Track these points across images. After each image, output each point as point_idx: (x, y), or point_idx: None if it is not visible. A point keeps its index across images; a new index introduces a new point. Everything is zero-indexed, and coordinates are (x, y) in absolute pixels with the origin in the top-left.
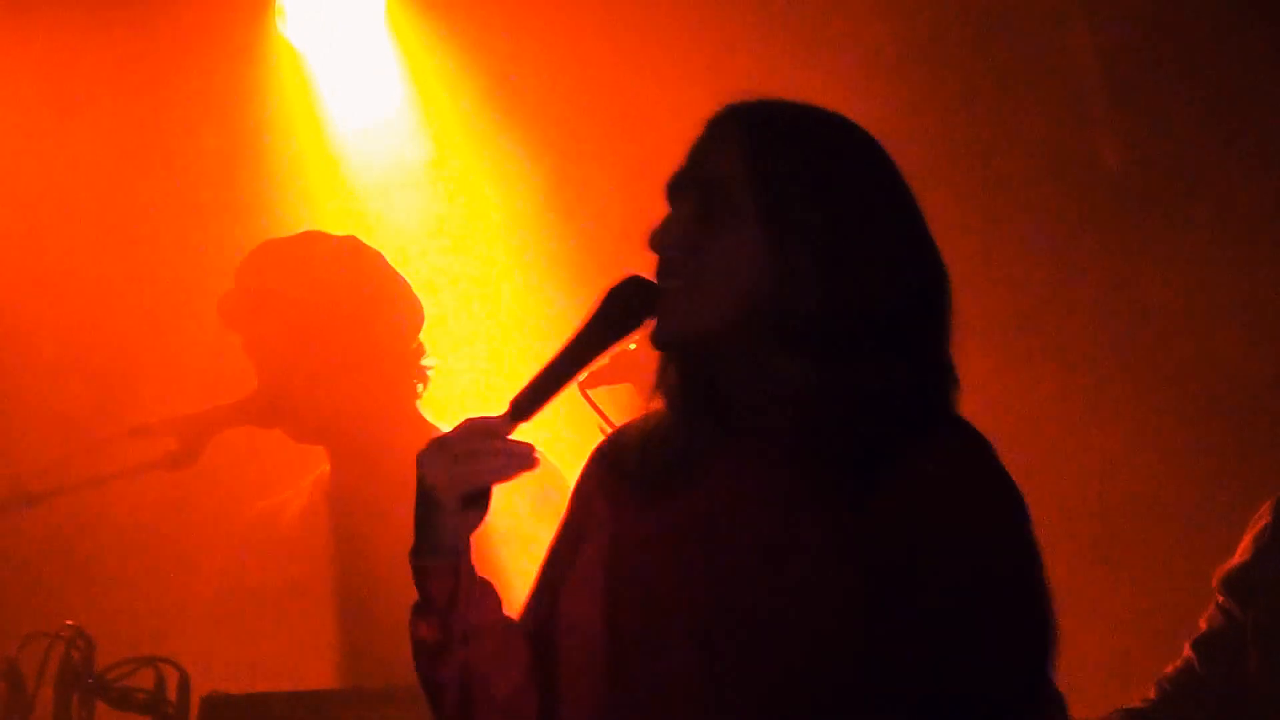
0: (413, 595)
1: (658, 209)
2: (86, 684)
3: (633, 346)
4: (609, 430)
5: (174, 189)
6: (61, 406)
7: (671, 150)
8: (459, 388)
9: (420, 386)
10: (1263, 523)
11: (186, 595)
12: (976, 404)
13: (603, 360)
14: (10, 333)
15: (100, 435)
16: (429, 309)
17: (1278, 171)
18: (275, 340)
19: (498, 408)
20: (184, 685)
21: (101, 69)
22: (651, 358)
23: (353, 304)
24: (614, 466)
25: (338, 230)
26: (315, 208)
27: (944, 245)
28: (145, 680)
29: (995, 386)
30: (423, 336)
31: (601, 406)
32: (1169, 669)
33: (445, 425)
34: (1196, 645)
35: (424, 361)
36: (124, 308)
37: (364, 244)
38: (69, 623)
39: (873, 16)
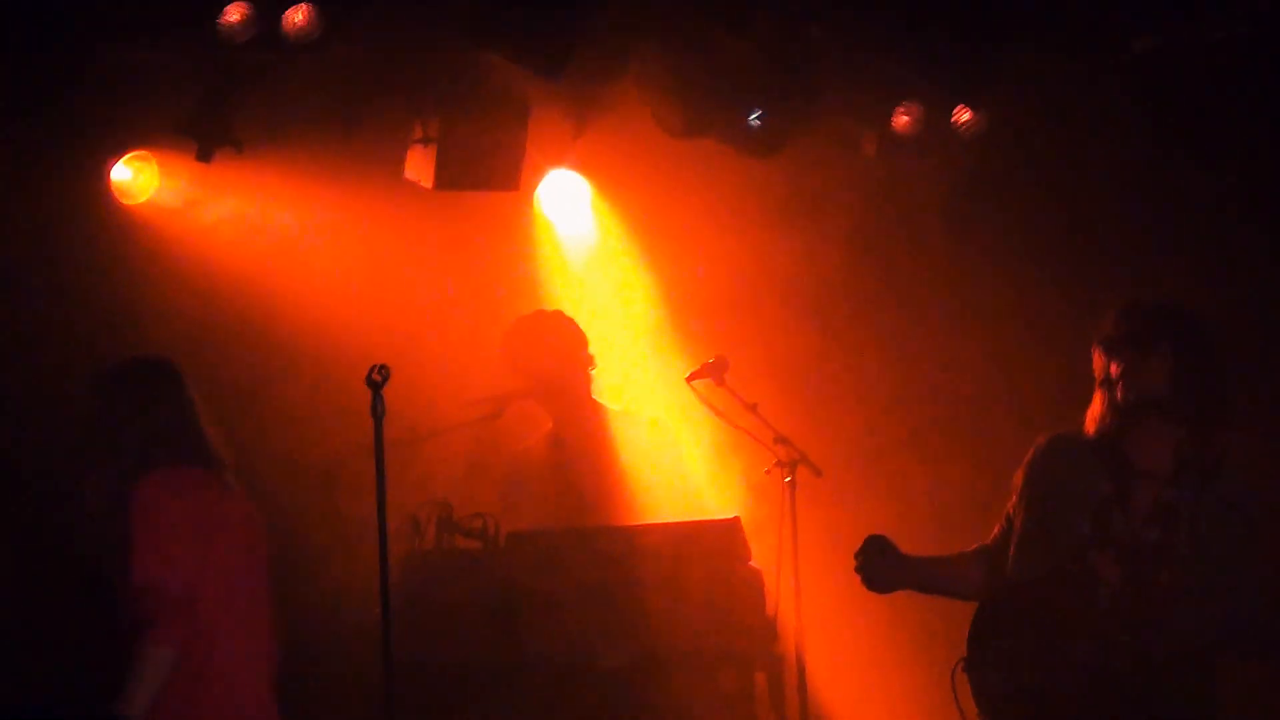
0: (576, 488)
1: (726, 306)
2: (449, 525)
3: (711, 360)
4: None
5: (486, 288)
6: (433, 387)
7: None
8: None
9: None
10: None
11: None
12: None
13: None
14: (414, 354)
15: (456, 402)
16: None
17: None
18: (550, 360)
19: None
20: (497, 527)
21: (455, 228)
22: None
23: (579, 341)
24: None
25: (572, 309)
26: (553, 298)
27: None
28: (477, 523)
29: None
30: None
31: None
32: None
33: (607, 402)
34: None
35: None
36: (465, 347)
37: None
38: (440, 498)
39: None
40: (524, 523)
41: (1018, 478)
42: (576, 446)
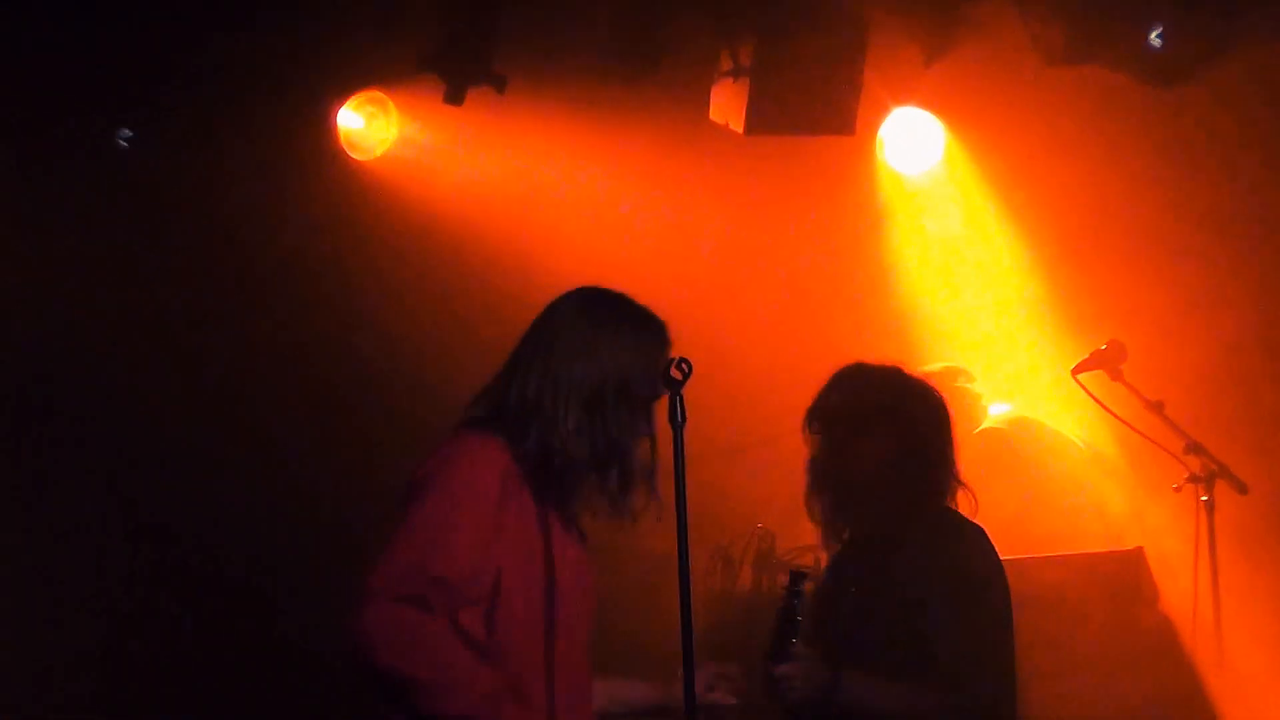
0: None
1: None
2: (771, 563)
3: (1103, 346)
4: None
5: (818, 258)
6: (742, 393)
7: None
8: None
9: None
10: None
11: None
12: None
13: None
14: (730, 345)
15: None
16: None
17: None
18: None
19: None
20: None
21: (776, 184)
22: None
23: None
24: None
25: (929, 289)
26: (904, 275)
27: None
28: (806, 559)
29: None
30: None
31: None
32: None
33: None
34: None
35: None
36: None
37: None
38: (759, 525)
39: None
40: None
41: None
42: None
